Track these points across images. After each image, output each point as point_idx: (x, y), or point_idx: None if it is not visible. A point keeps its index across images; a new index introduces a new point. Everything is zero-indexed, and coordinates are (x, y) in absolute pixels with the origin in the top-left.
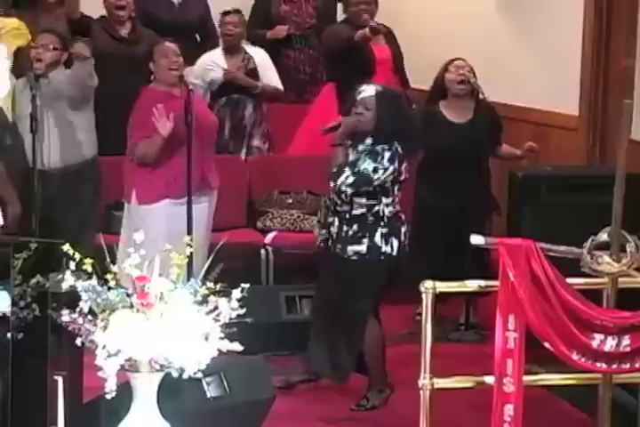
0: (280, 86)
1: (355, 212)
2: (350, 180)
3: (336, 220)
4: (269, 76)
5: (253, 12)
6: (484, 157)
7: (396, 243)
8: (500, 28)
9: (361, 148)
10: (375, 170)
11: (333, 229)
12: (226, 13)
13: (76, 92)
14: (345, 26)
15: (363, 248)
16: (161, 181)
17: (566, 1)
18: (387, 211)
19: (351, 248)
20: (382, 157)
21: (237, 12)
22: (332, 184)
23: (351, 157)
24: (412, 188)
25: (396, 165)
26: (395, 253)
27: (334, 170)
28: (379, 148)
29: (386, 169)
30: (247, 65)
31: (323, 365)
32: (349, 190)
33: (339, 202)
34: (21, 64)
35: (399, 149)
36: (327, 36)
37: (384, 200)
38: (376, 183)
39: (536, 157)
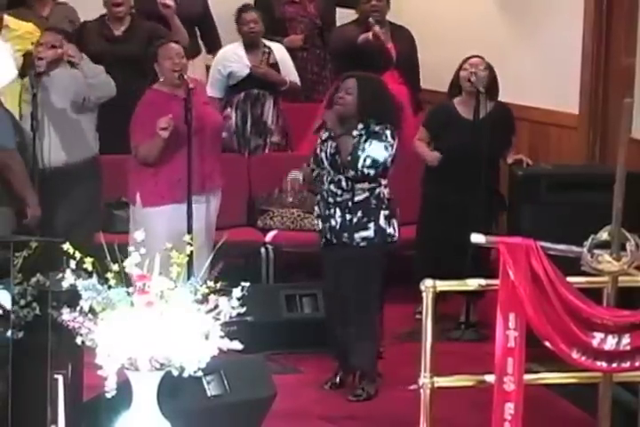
0: (299, 82)
1: (357, 198)
2: (369, 161)
3: (337, 210)
4: (289, 70)
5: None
6: (492, 156)
7: (395, 223)
8: (500, 27)
9: (355, 133)
10: (385, 148)
11: (335, 220)
12: (243, 10)
13: (76, 95)
14: (354, 26)
15: (370, 233)
16: (165, 183)
17: (567, 0)
18: (385, 192)
19: (358, 235)
20: (385, 136)
21: (251, 8)
22: (351, 172)
23: (353, 143)
24: (417, 184)
25: (396, 141)
26: (396, 233)
27: (348, 158)
28: (377, 128)
29: (392, 146)
30: (268, 60)
31: (352, 357)
32: (372, 172)
33: (339, 192)
34: (28, 66)
35: (391, 127)
36: (334, 37)
37: (383, 182)
38: (389, 160)
39: (536, 155)
